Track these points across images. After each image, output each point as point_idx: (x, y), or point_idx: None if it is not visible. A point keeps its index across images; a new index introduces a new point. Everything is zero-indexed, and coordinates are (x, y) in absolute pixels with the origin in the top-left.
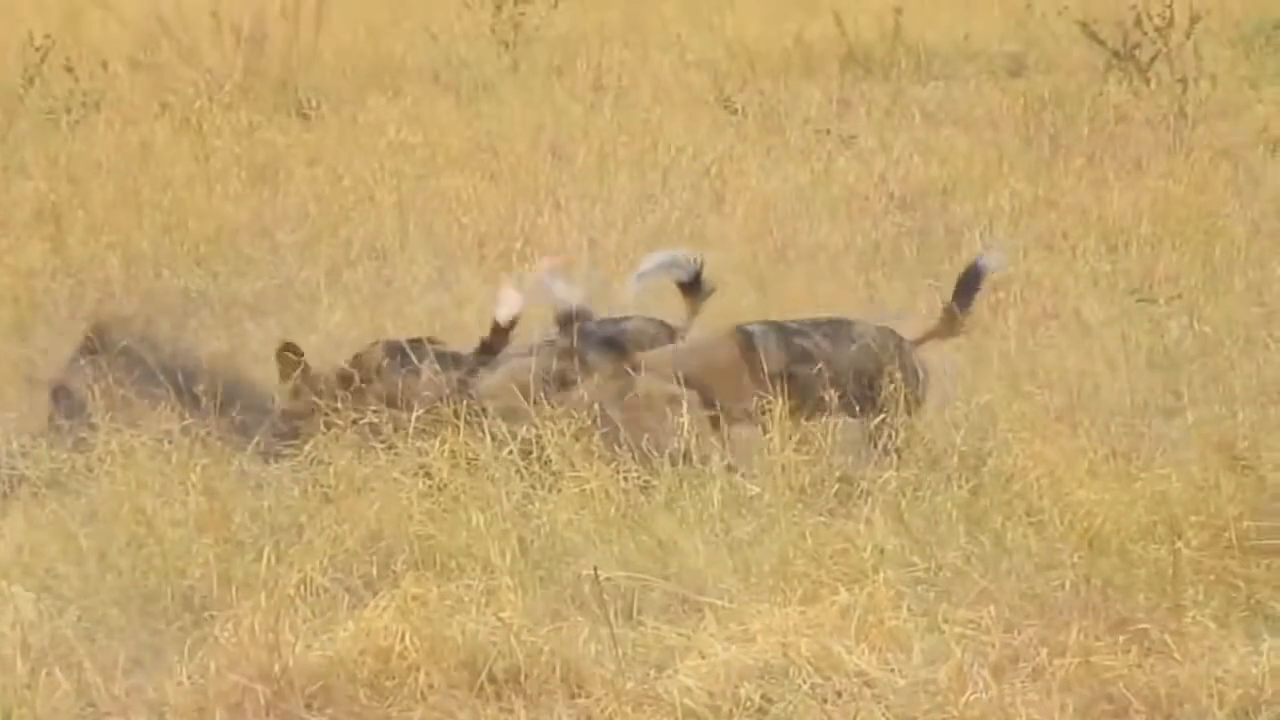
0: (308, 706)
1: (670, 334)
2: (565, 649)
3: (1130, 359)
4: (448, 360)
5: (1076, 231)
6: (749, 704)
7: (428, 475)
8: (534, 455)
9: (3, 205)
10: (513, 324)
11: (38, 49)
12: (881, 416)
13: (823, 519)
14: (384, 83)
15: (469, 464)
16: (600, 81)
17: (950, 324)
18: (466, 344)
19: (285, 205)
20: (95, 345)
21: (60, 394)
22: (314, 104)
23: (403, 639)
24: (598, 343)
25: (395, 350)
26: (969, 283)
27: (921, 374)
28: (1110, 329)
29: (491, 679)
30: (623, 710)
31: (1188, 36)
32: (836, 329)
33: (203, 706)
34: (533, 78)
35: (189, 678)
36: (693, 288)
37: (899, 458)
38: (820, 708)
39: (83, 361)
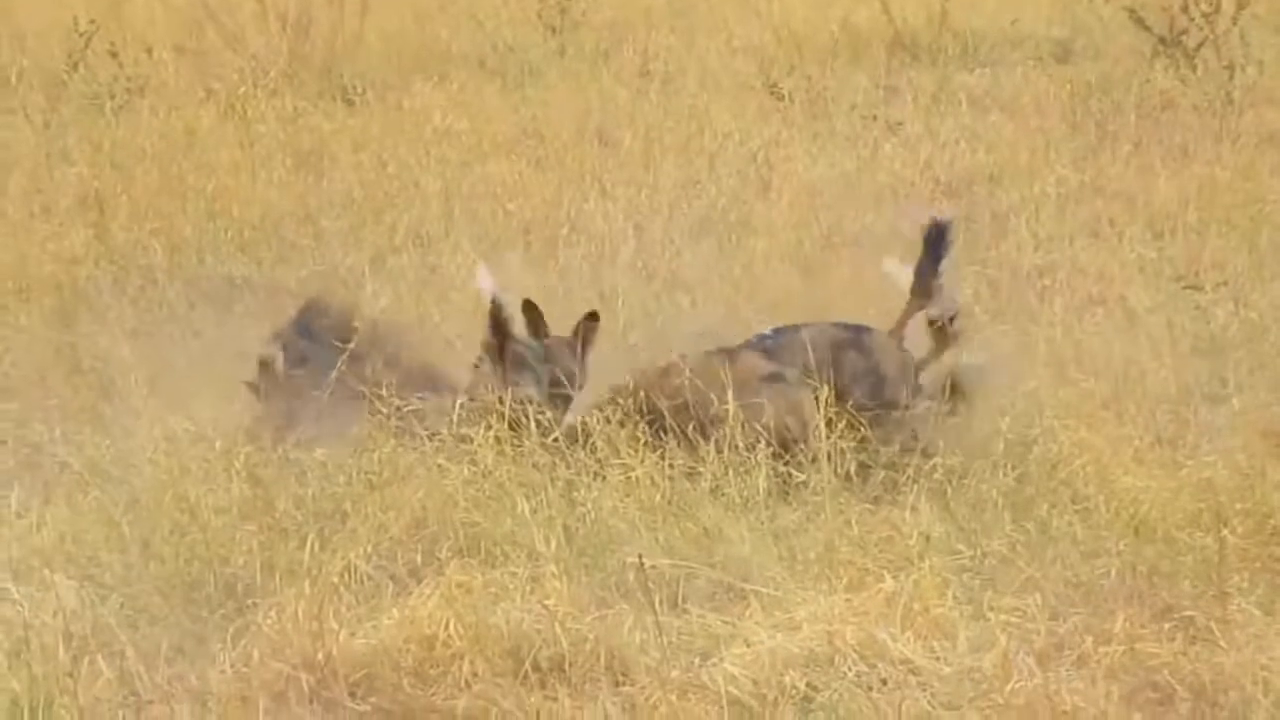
0: (351, 694)
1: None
2: (610, 637)
3: (1176, 346)
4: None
5: (1123, 218)
6: (794, 692)
7: (473, 462)
8: (579, 442)
9: (46, 191)
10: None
11: (82, 34)
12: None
13: (869, 506)
14: (429, 69)
15: (514, 451)
16: (647, 67)
17: (920, 294)
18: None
19: (330, 191)
20: (303, 324)
21: (264, 369)
22: (359, 90)
23: (447, 627)
24: None
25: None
26: (934, 242)
27: (889, 370)
28: (1156, 316)
29: (536, 667)
30: (668, 698)
31: (1234, 22)
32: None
33: (246, 695)
34: (579, 63)
35: (232, 666)
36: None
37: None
38: (865, 696)
39: (289, 338)
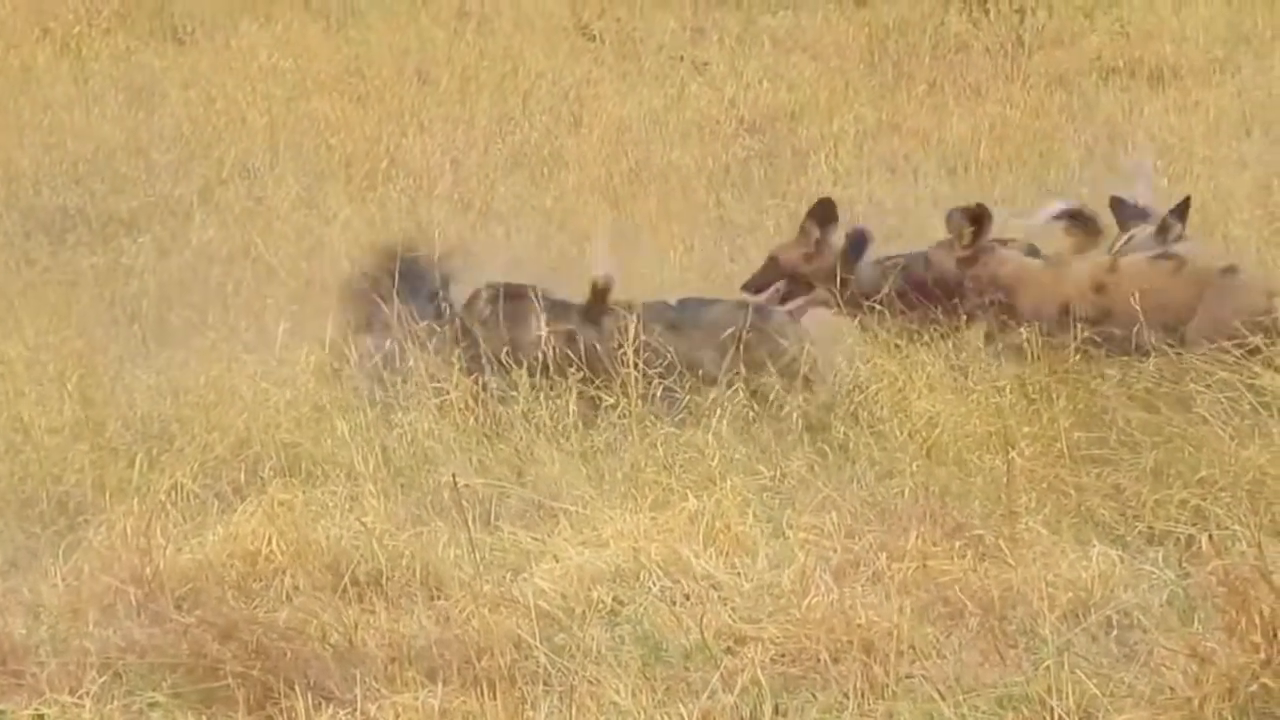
0: (178, 607)
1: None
2: (425, 553)
3: None
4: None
5: (918, 155)
6: (601, 606)
7: (293, 385)
8: (395, 367)
9: None
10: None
11: None
12: None
13: (673, 429)
14: (256, 9)
15: (334, 375)
16: (464, 8)
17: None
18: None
19: (160, 126)
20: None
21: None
22: (189, 29)
23: (269, 543)
24: None
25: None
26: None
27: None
28: None
29: (355, 581)
30: (480, 612)
31: None
32: None
33: (76, 607)
34: (399, 5)
35: (63, 579)
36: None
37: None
38: (669, 609)
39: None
